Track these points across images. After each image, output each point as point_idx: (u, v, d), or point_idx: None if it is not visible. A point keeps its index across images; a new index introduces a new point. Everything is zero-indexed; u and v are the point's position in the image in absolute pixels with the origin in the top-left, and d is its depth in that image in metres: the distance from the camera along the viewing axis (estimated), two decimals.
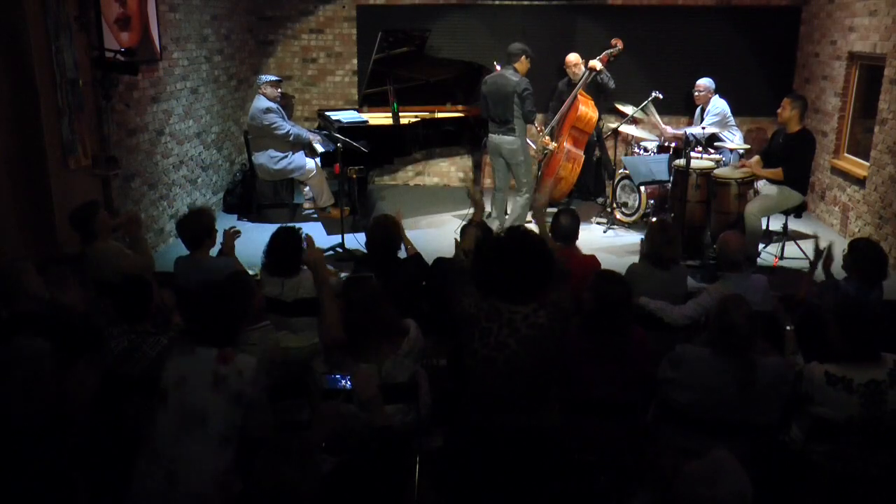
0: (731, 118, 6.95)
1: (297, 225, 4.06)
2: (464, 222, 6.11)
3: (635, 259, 4.51)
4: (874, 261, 3.70)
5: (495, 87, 6.14)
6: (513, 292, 2.50)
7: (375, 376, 2.77)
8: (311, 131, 6.99)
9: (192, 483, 2.41)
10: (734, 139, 6.77)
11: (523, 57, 6.20)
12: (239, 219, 7.10)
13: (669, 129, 7.20)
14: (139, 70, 5.24)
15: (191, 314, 2.61)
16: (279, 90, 6.92)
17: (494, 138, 6.25)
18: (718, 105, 6.90)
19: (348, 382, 2.78)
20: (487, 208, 7.22)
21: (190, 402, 2.49)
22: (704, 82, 7.02)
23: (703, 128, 6.62)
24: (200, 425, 2.46)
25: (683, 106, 7.83)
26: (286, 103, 7.81)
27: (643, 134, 7.38)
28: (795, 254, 5.93)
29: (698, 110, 7.14)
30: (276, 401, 3.03)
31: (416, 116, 7.31)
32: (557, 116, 7.25)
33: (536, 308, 2.49)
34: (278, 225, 3.92)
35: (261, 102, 6.70)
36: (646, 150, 7.00)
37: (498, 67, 6.87)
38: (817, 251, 3.99)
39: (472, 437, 2.61)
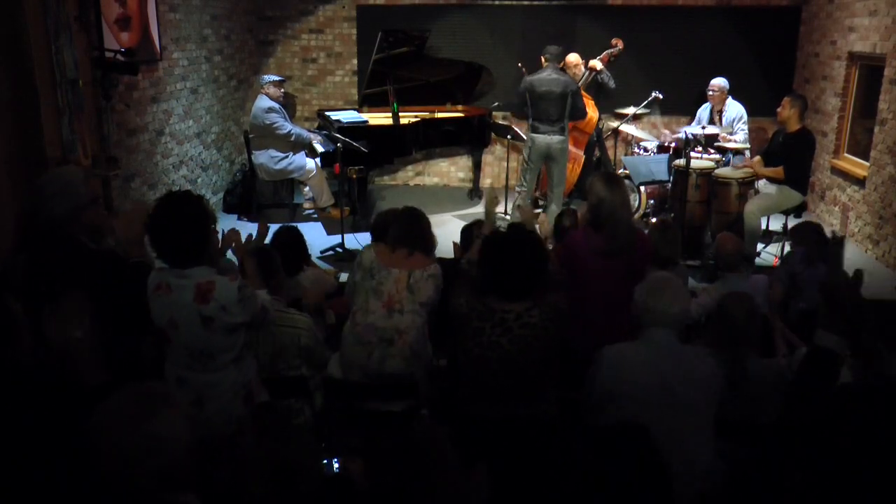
0: None
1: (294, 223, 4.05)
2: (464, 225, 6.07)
3: None
4: (815, 234, 4.10)
5: (549, 88, 6.07)
6: (507, 287, 2.52)
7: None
8: (311, 131, 6.99)
9: (218, 404, 2.59)
10: (737, 139, 6.76)
11: (565, 58, 6.26)
12: (239, 219, 7.11)
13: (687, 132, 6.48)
14: (139, 70, 5.24)
15: (154, 236, 2.54)
16: (282, 90, 6.92)
17: (544, 139, 6.16)
18: (740, 110, 6.81)
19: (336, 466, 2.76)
20: (501, 208, 7.21)
21: (191, 343, 2.56)
22: (719, 82, 6.88)
23: (733, 133, 6.62)
24: (210, 359, 2.58)
25: (684, 106, 7.84)
26: (288, 103, 7.81)
27: (643, 134, 7.37)
28: None
29: (705, 110, 7.07)
30: (276, 400, 3.04)
31: (416, 116, 7.31)
32: None
33: (530, 307, 2.51)
34: (279, 225, 3.92)
35: (263, 102, 6.70)
36: (646, 150, 7.00)
37: (524, 69, 6.96)
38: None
39: (467, 429, 2.62)
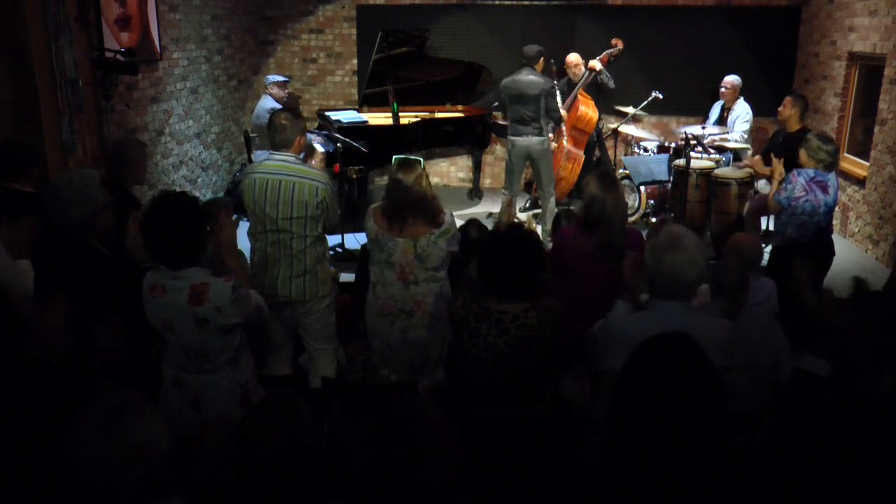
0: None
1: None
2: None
3: None
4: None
5: (522, 90, 6.08)
6: (503, 286, 2.53)
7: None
8: (311, 132, 6.98)
9: (216, 405, 2.61)
10: (734, 137, 6.75)
11: (542, 59, 6.23)
12: (239, 219, 7.10)
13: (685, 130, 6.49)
14: (139, 70, 5.25)
15: (148, 236, 2.55)
16: (286, 91, 6.92)
17: (523, 140, 6.17)
18: (748, 110, 6.78)
19: None
20: (492, 209, 7.23)
21: (186, 344, 2.57)
22: (732, 79, 6.86)
23: (730, 131, 6.61)
24: (205, 360, 2.59)
25: (684, 106, 7.84)
26: (292, 104, 7.81)
27: (643, 134, 7.37)
28: None
29: (716, 107, 7.07)
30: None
31: (416, 116, 7.31)
32: None
33: (527, 309, 2.51)
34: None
35: (266, 102, 6.71)
36: (646, 150, 7.00)
37: (554, 66, 7.07)
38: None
39: (464, 429, 2.62)
